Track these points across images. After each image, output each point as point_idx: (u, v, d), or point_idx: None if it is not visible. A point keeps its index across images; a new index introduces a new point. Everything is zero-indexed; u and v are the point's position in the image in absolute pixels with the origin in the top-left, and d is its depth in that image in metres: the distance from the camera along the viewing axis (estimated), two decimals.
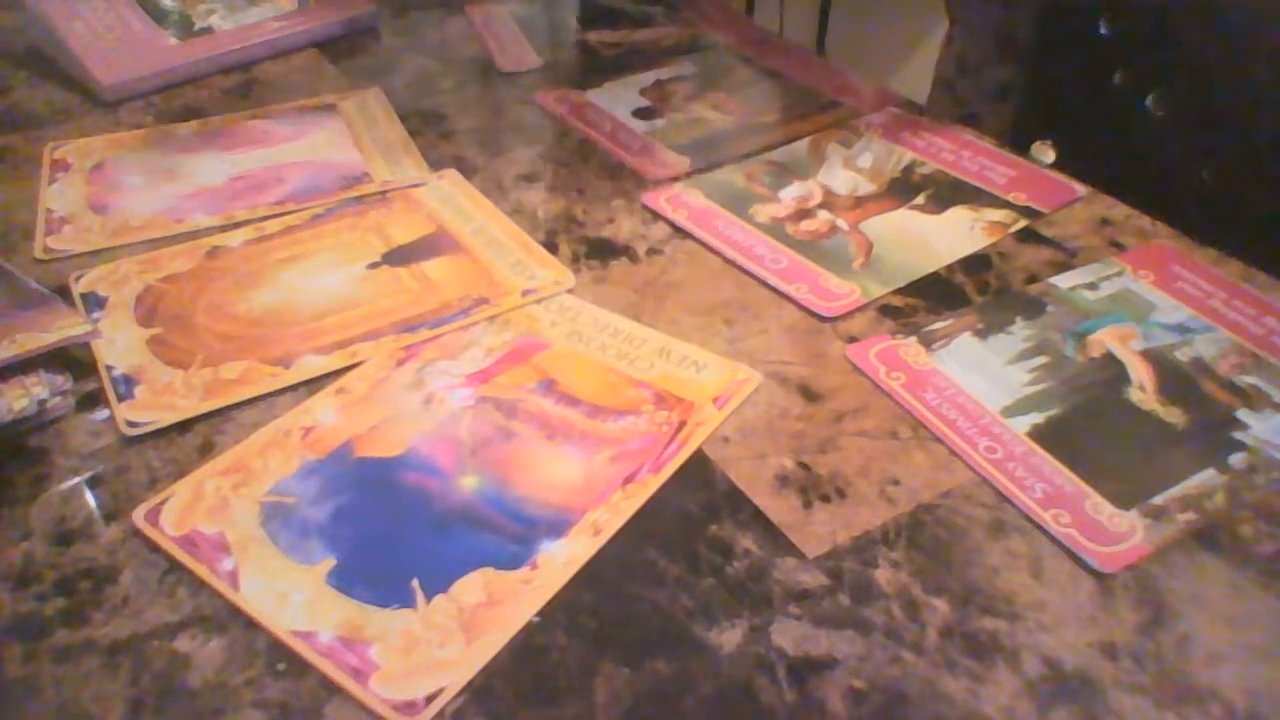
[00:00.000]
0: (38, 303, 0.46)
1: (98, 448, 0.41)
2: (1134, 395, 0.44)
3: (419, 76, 0.72)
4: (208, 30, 0.74)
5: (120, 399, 0.43)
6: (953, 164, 0.60)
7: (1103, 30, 0.62)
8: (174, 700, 0.32)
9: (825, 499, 0.39)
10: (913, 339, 0.47)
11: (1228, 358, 0.45)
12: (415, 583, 0.35)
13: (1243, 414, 0.43)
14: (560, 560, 0.36)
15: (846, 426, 0.42)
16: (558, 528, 0.38)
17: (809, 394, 0.44)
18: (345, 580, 0.36)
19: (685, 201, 0.57)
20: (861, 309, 0.49)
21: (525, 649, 0.34)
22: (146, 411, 0.43)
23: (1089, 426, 0.42)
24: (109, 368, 0.45)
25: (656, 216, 0.56)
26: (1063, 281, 0.50)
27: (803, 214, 0.56)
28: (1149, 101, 0.58)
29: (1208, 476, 0.40)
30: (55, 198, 0.58)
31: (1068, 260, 0.52)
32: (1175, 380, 0.44)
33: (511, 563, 0.36)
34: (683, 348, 0.46)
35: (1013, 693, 0.32)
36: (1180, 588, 0.36)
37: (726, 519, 0.38)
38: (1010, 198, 0.57)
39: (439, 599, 0.35)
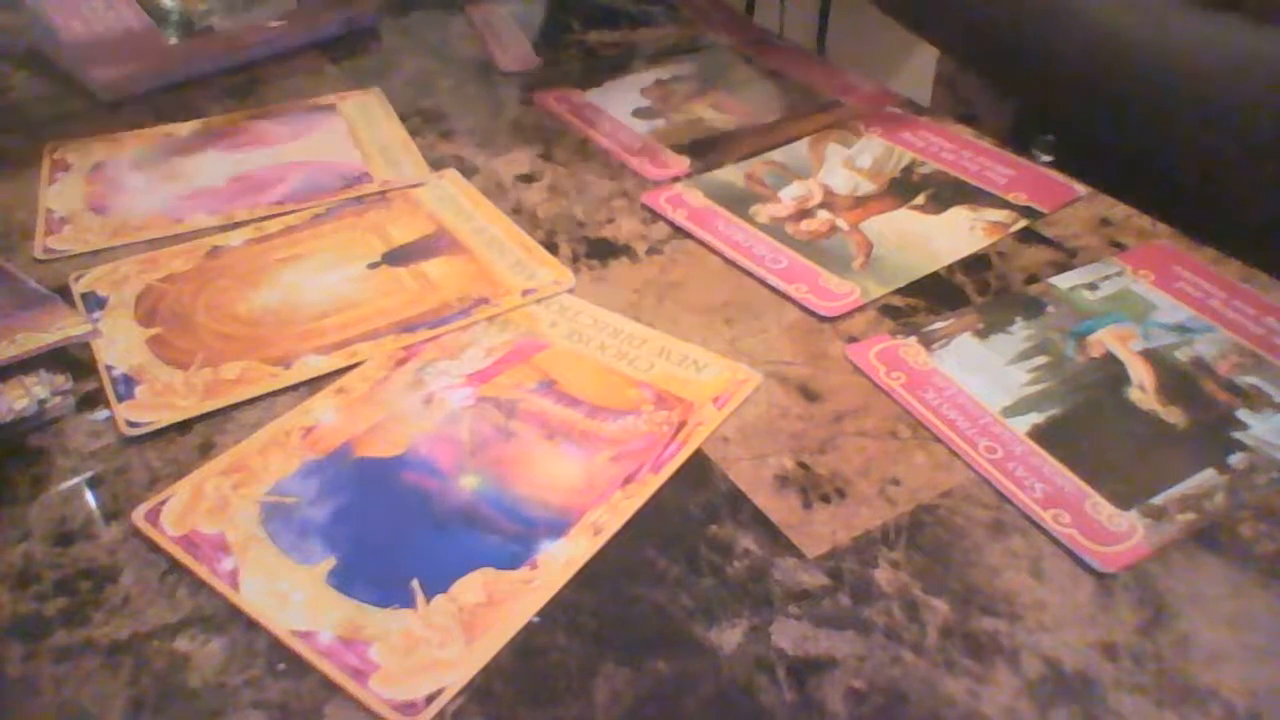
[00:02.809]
0: (38, 303, 0.46)
1: (98, 448, 0.41)
2: (1134, 395, 0.44)
3: (419, 76, 0.72)
4: (208, 30, 0.74)
5: (120, 399, 0.43)
6: (953, 164, 0.60)
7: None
8: (174, 700, 0.32)
9: (825, 499, 0.39)
10: (913, 339, 0.47)
11: (1228, 358, 0.45)
12: (415, 583, 0.35)
13: (1243, 414, 0.43)
14: (560, 560, 0.36)
15: (846, 426, 0.42)
16: (557, 528, 0.38)
17: (809, 394, 0.44)
18: (345, 580, 0.36)
19: (685, 201, 0.57)
20: (861, 309, 0.49)
21: (525, 649, 0.34)
22: (146, 411, 0.43)
23: (1089, 426, 0.42)
24: (109, 368, 0.45)
25: (656, 216, 0.56)
26: (1063, 281, 0.50)
27: (803, 214, 0.56)
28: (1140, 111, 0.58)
29: (1207, 476, 0.40)
30: (55, 198, 0.58)
31: (1068, 260, 0.52)
32: (1175, 380, 0.44)
33: (511, 563, 0.36)
34: (683, 348, 0.46)
35: (1013, 693, 0.32)
36: (1180, 588, 0.36)
37: (726, 519, 0.38)
38: (1010, 198, 0.57)
39: (439, 599, 0.35)
